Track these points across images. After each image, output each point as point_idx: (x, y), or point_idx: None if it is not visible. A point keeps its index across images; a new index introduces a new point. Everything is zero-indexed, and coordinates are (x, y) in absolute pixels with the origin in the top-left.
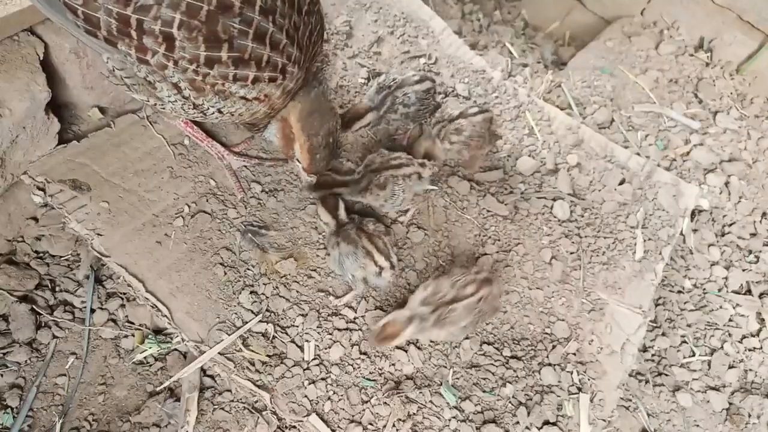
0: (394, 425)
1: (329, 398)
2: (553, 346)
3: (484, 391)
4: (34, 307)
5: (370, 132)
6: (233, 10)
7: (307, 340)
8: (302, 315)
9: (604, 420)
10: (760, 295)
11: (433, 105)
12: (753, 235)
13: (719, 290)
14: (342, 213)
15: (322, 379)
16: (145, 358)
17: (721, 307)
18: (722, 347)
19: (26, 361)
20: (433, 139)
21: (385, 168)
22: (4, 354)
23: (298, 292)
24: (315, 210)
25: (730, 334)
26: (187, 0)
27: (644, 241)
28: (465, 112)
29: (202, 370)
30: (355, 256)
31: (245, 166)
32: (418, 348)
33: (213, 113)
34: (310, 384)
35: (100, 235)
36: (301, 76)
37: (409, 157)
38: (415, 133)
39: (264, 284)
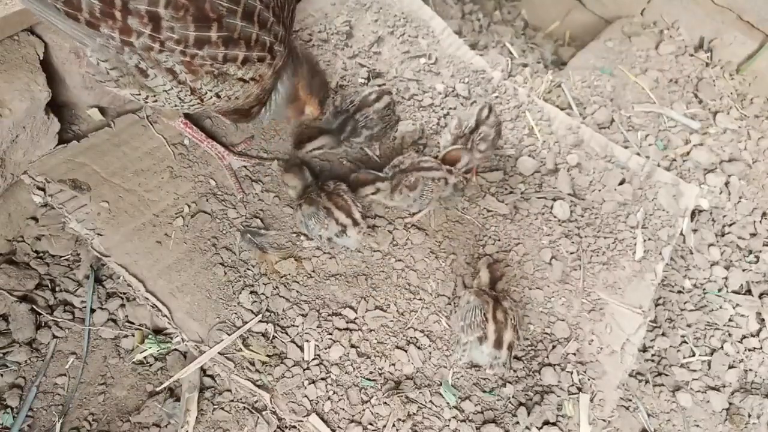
0: (394, 425)
1: (329, 398)
2: (553, 346)
3: (484, 391)
4: (34, 307)
5: (321, 155)
6: None
7: (307, 340)
8: (302, 315)
9: (604, 420)
10: (760, 295)
11: (394, 119)
12: (753, 235)
13: (719, 290)
14: (307, 174)
15: (322, 379)
16: (145, 358)
17: (721, 307)
18: (722, 347)
19: (26, 361)
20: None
21: (416, 169)
22: (4, 354)
23: (298, 292)
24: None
25: (730, 334)
26: None
27: (644, 241)
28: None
29: (202, 370)
30: (317, 217)
31: (245, 166)
32: (418, 348)
33: (210, 98)
34: (310, 384)
35: (100, 235)
36: (286, 53)
37: (438, 161)
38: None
39: (264, 284)
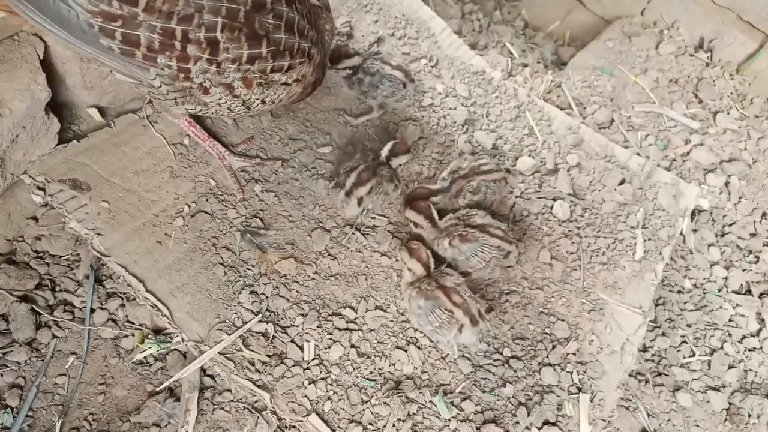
0: (394, 425)
1: (329, 398)
2: (553, 346)
3: (484, 391)
4: (34, 307)
5: (349, 82)
6: (266, 6)
7: (307, 340)
8: (302, 315)
9: (604, 420)
10: (760, 295)
11: (395, 92)
12: (753, 235)
13: (719, 290)
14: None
15: (322, 379)
16: (145, 358)
17: (721, 307)
18: (722, 347)
19: (26, 361)
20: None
21: (476, 173)
22: (4, 354)
23: (298, 292)
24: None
25: (730, 334)
26: (226, 4)
27: (644, 241)
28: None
29: (202, 370)
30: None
31: (245, 167)
32: (418, 348)
33: (257, 105)
34: (310, 384)
35: (100, 234)
36: (321, 53)
37: (496, 162)
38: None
39: (264, 284)
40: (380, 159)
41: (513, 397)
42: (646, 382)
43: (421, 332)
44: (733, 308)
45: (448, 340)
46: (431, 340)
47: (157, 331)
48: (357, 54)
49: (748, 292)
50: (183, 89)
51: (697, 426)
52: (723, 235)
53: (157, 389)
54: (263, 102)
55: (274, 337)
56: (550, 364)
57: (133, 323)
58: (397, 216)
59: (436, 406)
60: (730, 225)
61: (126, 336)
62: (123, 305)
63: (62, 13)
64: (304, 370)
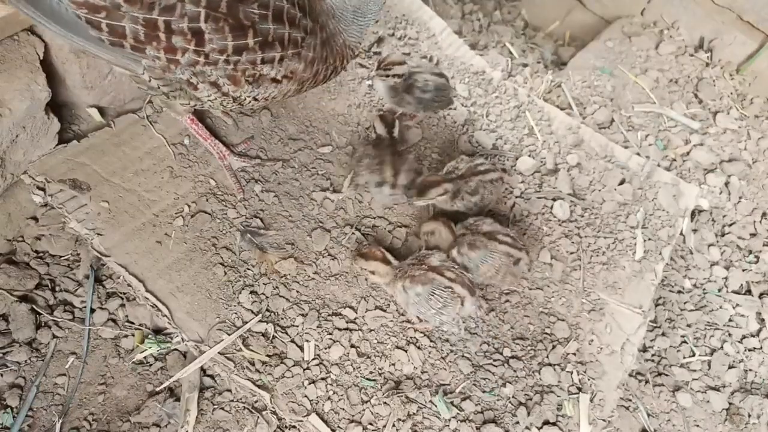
0: (394, 425)
1: (329, 398)
2: (553, 346)
3: (484, 391)
4: (34, 307)
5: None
6: None
7: (307, 340)
8: (302, 315)
9: (604, 420)
10: (760, 295)
11: (446, 100)
12: (753, 235)
13: (719, 290)
14: (396, 131)
15: (322, 379)
16: (145, 358)
17: (721, 307)
18: (722, 347)
19: (26, 361)
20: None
21: (473, 174)
22: (4, 354)
23: (298, 292)
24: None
25: (730, 334)
26: None
27: (644, 241)
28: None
29: (202, 370)
30: None
31: (245, 166)
32: (418, 348)
33: (249, 102)
34: (310, 384)
35: (100, 234)
36: (318, 42)
37: (492, 162)
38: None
39: (264, 284)
40: (385, 140)
41: (513, 397)
42: (646, 382)
43: (422, 333)
44: (733, 308)
45: (453, 318)
46: (431, 340)
47: (157, 331)
48: (404, 62)
49: (748, 292)
50: (170, 83)
51: (697, 426)
52: (723, 235)
53: (157, 389)
54: (255, 99)
55: (274, 337)
56: (550, 364)
57: (133, 323)
58: (396, 216)
59: (436, 406)
60: (730, 225)
61: (126, 336)
62: (123, 305)
63: (53, 7)
64: (304, 370)
